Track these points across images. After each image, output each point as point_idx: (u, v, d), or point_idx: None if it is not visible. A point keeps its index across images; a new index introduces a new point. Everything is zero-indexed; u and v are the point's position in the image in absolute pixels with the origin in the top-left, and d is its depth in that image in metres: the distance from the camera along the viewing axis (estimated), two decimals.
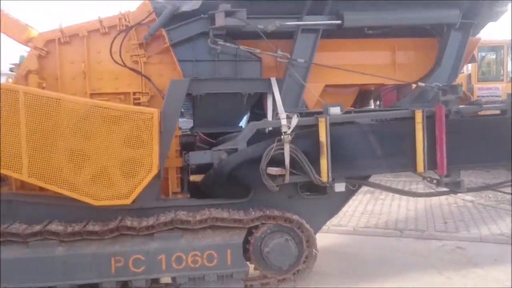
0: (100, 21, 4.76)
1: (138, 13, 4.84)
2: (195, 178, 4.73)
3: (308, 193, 4.92)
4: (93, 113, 4.27)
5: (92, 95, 4.76)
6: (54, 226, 4.32)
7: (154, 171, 4.38)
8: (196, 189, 4.91)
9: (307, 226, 4.64)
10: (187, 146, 5.07)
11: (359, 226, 7.20)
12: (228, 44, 4.68)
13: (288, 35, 4.88)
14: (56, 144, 4.23)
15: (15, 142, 4.17)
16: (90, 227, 4.34)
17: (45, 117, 4.20)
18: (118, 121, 4.31)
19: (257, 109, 5.28)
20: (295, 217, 4.63)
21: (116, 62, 4.71)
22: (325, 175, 4.49)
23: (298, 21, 4.77)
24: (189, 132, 5.36)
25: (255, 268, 4.70)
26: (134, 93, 4.84)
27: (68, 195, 4.29)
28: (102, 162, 4.31)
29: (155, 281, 4.55)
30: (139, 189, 4.37)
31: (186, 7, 4.73)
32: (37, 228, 4.28)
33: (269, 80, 4.87)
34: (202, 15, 4.73)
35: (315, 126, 4.54)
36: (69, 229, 4.31)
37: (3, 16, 4.72)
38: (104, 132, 4.30)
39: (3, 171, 4.25)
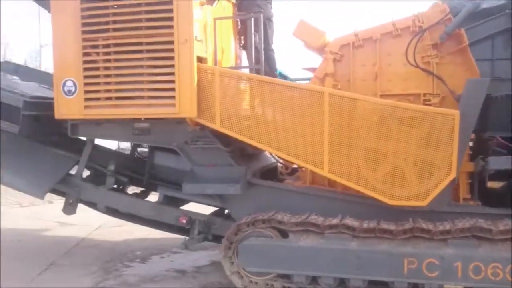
0: (393, 24, 4.84)
1: (431, 13, 4.79)
2: (493, 184, 4.42)
3: None
4: (390, 114, 4.35)
5: (381, 96, 4.87)
6: (350, 221, 4.51)
7: (453, 174, 4.25)
8: (487, 197, 4.61)
9: None
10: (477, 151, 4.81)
11: None
12: None
13: None
14: (354, 142, 4.44)
15: (319, 139, 4.50)
16: (384, 225, 4.42)
17: (345, 116, 4.44)
18: (415, 122, 4.30)
19: None
20: None
21: (410, 63, 4.72)
22: None
23: None
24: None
25: None
26: (424, 94, 4.79)
27: (364, 192, 4.45)
28: (397, 162, 4.37)
29: None
30: (435, 192, 4.29)
31: (488, 4, 4.49)
32: (334, 221, 4.53)
33: None
34: (506, 10, 4.43)
35: None
36: (364, 225, 4.46)
37: (302, 24, 5.17)
38: (401, 132, 4.34)
39: (306, 165, 4.64)
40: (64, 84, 5.00)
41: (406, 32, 4.82)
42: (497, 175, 4.40)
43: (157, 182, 5.75)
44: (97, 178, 5.84)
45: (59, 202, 9.49)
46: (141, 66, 4.82)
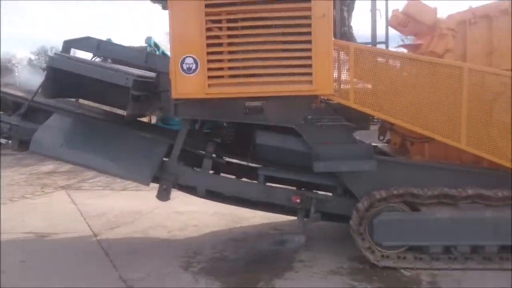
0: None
1: None
2: None
3: None
4: None
5: None
6: (485, 191, 4.73)
7: None
8: None
9: None
10: None
11: None
12: None
13: None
14: (490, 115, 4.65)
15: (457, 114, 4.65)
16: None
17: (484, 91, 4.63)
18: None
19: None
20: None
21: None
22: None
23: None
24: None
25: None
26: None
27: (501, 163, 4.70)
28: None
29: None
30: None
31: None
32: (469, 192, 4.73)
33: None
34: None
35: None
36: (499, 194, 4.71)
37: (414, 1, 5.24)
38: None
39: (443, 139, 4.75)
40: (183, 61, 4.64)
41: None
42: None
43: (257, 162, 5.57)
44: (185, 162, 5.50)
45: None
46: (272, 42, 4.61)
